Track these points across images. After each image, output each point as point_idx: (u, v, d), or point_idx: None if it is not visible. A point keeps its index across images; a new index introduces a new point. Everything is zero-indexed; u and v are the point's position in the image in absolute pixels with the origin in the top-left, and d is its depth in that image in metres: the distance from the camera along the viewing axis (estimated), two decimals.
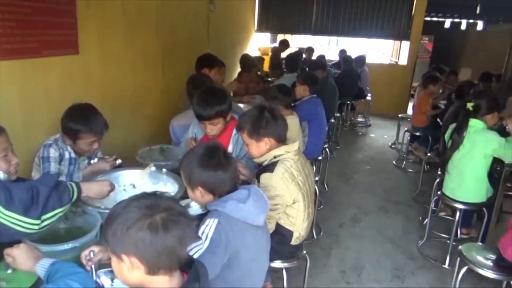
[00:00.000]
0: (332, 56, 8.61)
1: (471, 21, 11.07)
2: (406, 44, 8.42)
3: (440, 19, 11.31)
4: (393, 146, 6.27)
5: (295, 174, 1.99)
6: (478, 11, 9.87)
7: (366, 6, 8.18)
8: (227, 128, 2.36)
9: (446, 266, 3.11)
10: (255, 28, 8.50)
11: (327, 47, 11.31)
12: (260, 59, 6.63)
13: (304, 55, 7.44)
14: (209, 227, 1.43)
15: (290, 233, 2.04)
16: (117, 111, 3.40)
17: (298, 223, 2.03)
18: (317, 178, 3.47)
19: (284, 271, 2.16)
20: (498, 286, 2.51)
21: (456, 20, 11.23)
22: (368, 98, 7.40)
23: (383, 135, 6.92)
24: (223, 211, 1.47)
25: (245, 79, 4.75)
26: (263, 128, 1.95)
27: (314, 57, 7.58)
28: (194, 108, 2.27)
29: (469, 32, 11.62)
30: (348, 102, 6.81)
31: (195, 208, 1.83)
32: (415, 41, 8.19)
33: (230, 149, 2.36)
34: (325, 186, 4.47)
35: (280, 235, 2.04)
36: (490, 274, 2.26)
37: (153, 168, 2.01)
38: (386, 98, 7.91)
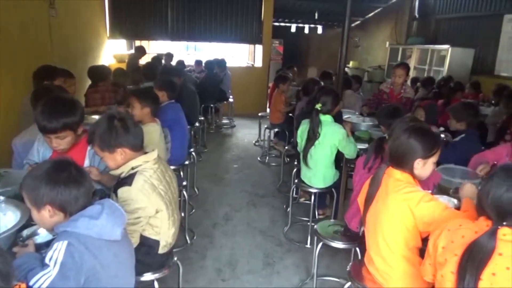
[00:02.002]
0: (192, 61, 8.70)
1: (312, 25, 12.49)
2: (259, 48, 9.03)
3: (287, 24, 12.45)
4: (256, 144, 6.66)
5: (155, 183, 1.95)
6: (316, 17, 11.19)
7: (220, 12, 8.52)
8: (80, 142, 2.18)
9: (308, 245, 3.46)
10: (107, 34, 8.05)
11: (186, 52, 11.37)
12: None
13: (163, 61, 7.37)
14: (57, 251, 1.32)
15: (157, 243, 2.01)
16: None
17: (163, 232, 2.00)
18: (185, 183, 3.49)
19: (155, 283, 2.10)
20: (349, 254, 2.88)
21: (300, 25, 12.51)
22: (231, 100, 7.72)
23: (247, 134, 7.30)
24: (73, 231, 1.36)
25: (102, 88, 4.46)
26: (114, 139, 1.86)
27: (174, 62, 7.58)
28: (36, 119, 2.02)
29: (312, 36, 13.08)
30: (212, 105, 7.00)
31: (43, 235, 1.66)
32: (267, 45, 8.86)
33: (86, 164, 2.19)
34: (196, 189, 4.50)
35: (146, 247, 1.98)
36: (340, 245, 2.60)
37: None
38: (246, 99, 8.36)
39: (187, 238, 3.44)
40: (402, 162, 1.82)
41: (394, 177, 1.83)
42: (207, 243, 3.49)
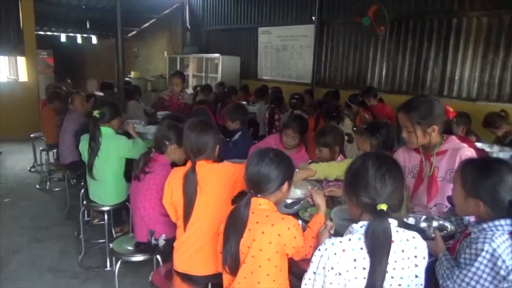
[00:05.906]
0: None
1: (85, 35, 11.70)
2: (22, 60, 7.83)
3: (55, 33, 11.27)
4: (33, 170, 5.77)
5: None
6: (88, 26, 10.55)
7: None
8: None
9: (108, 268, 3.22)
10: None
11: None
12: None
13: None
14: None
15: None
16: None
17: None
18: None
19: None
20: (151, 265, 2.81)
21: (71, 34, 11.54)
22: None
23: (19, 160, 6.21)
24: None
25: None
26: None
27: None
28: None
29: (87, 46, 12.26)
30: None
31: None
32: (32, 56, 7.80)
33: None
34: None
35: None
36: (139, 258, 2.52)
37: None
38: (12, 120, 7.09)
39: None
40: (200, 153, 1.99)
41: (200, 165, 1.98)
42: None
